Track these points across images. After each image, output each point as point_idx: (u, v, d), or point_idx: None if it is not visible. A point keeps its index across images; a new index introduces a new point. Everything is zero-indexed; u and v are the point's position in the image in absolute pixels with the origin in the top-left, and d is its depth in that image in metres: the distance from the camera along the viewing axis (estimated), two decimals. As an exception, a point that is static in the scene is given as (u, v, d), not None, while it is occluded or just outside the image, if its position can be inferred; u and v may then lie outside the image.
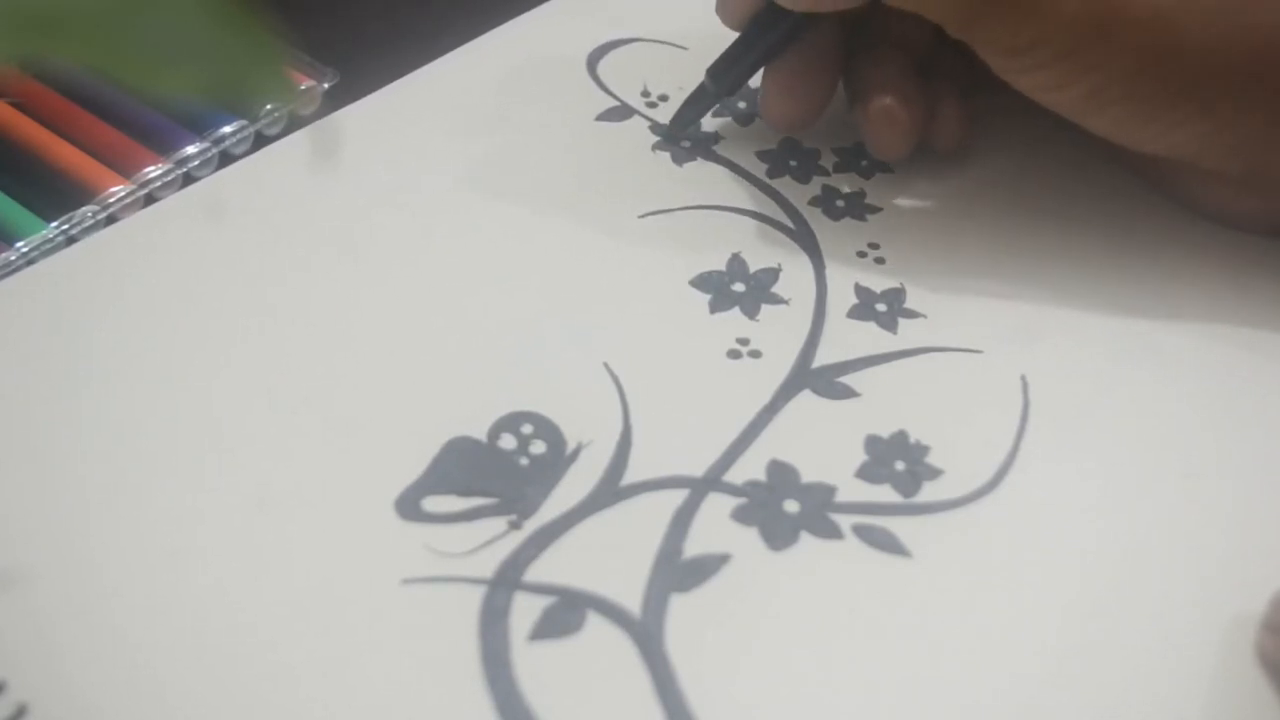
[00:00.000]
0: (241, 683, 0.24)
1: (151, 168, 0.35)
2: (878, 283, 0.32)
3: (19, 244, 0.32)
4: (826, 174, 0.35)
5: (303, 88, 0.37)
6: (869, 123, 0.34)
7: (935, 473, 0.28)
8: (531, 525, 0.26)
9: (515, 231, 0.33)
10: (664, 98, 0.37)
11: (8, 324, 0.30)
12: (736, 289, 0.32)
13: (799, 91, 0.34)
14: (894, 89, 0.33)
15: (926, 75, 0.34)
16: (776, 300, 0.32)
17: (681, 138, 0.36)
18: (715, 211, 0.34)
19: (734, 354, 0.30)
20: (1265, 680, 0.25)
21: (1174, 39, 0.29)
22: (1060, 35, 0.29)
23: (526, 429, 0.28)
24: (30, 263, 0.32)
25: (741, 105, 0.37)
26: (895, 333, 0.31)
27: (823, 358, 0.30)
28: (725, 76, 0.35)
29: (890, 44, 0.34)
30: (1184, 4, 0.29)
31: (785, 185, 0.35)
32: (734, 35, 0.34)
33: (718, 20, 0.34)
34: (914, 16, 0.30)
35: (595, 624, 0.25)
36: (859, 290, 0.32)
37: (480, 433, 0.28)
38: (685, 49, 0.39)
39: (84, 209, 0.33)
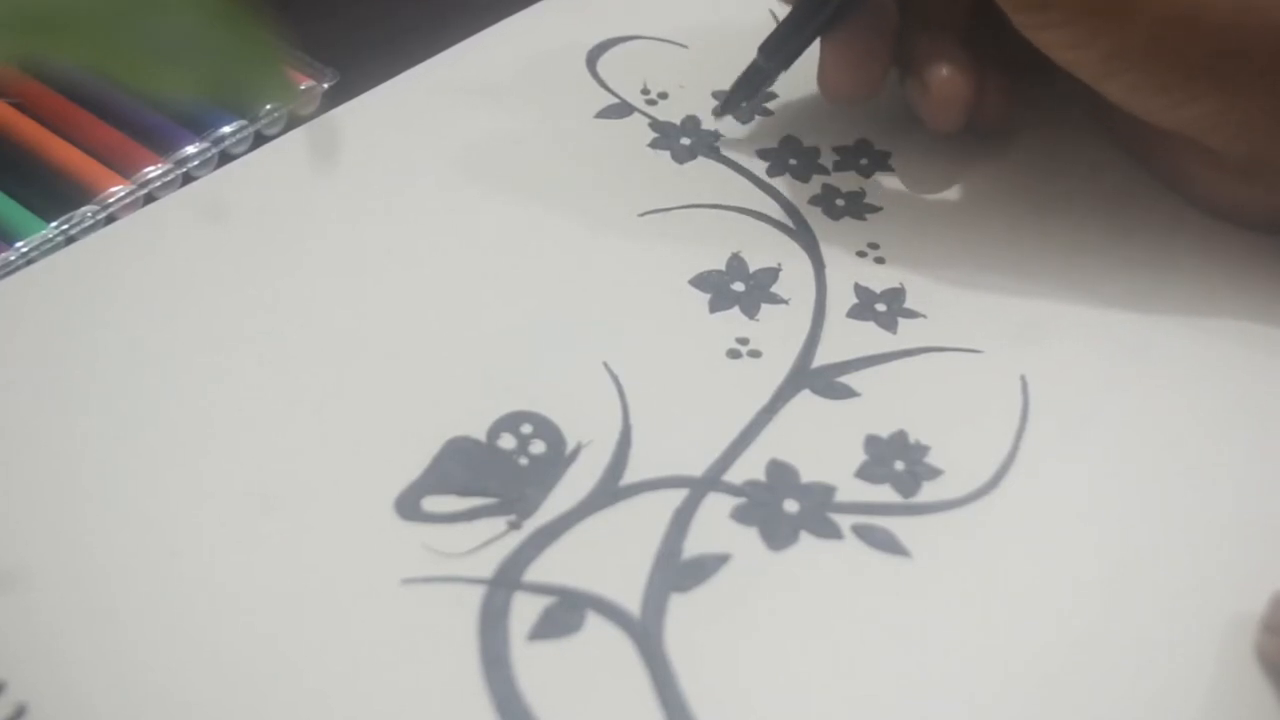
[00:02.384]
0: (241, 682, 0.24)
1: (151, 168, 0.35)
2: (878, 282, 0.32)
3: (19, 244, 0.32)
4: (826, 173, 0.35)
5: (303, 88, 0.37)
6: (928, 93, 0.33)
7: (935, 473, 0.28)
8: (531, 525, 0.26)
9: (514, 230, 0.33)
10: (664, 95, 0.37)
11: (8, 324, 0.30)
12: (736, 288, 0.32)
13: (858, 61, 0.34)
14: (950, 59, 0.33)
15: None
16: (776, 300, 0.31)
17: (737, 108, 0.35)
18: (715, 210, 0.34)
19: (734, 353, 0.30)
20: (1265, 680, 0.25)
21: (1192, 10, 0.29)
22: None
23: (526, 429, 0.28)
24: (30, 263, 0.32)
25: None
26: (895, 333, 0.31)
27: (822, 358, 0.30)
28: (779, 51, 0.34)
29: (937, 15, 0.34)
30: None
31: (785, 184, 0.35)
32: (734, 33, 0.34)
33: (718, 18, 0.34)
34: None
35: (595, 624, 0.25)
36: (859, 290, 0.32)
37: (480, 432, 0.28)
38: (685, 47, 0.39)
39: (84, 209, 0.33)
